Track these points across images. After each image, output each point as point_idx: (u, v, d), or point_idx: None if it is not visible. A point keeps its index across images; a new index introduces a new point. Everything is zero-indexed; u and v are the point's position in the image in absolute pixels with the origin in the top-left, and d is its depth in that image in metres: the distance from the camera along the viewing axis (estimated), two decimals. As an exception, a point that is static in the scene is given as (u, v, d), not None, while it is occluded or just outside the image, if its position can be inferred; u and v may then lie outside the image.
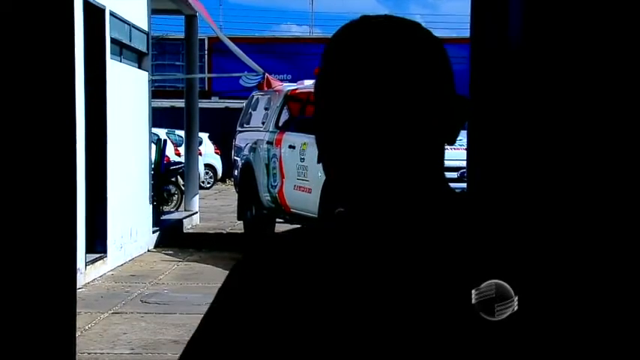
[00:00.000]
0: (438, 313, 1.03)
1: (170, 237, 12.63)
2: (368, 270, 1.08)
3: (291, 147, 11.20)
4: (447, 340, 1.02)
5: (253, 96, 14.02)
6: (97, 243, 9.93)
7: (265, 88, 13.62)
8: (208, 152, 24.58)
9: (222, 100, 28.50)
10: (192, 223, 14.88)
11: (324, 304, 1.07)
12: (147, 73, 12.29)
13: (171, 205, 15.63)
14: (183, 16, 15.35)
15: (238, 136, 13.80)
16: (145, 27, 12.23)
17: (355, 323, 1.05)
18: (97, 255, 9.82)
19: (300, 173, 10.90)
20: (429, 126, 1.06)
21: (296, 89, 12.69)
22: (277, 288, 1.11)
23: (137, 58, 12.02)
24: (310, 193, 10.48)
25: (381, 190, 1.05)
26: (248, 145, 12.92)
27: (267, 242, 1.19)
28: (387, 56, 1.05)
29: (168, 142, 17.99)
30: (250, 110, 13.68)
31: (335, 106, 1.06)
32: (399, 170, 1.05)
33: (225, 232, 14.15)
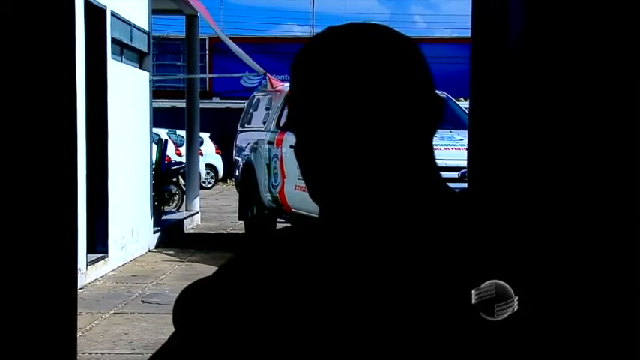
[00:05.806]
0: (438, 313, 1.03)
1: (171, 237, 12.64)
2: (360, 270, 1.08)
3: (292, 147, 11.15)
4: (447, 340, 1.02)
5: (254, 96, 14.02)
6: (98, 243, 9.93)
7: (271, 89, 13.59)
8: (209, 152, 24.60)
9: (223, 101, 28.51)
10: (193, 223, 14.89)
11: (317, 305, 1.07)
12: (148, 73, 12.29)
13: (173, 205, 15.64)
14: (184, 16, 15.35)
15: (239, 137, 13.80)
16: (146, 27, 12.23)
17: (352, 325, 1.05)
18: (98, 255, 9.82)
19: (301, 173, 10.88)
20: (405, 125, 1.07)
21: (297, 89, 12.64)
22: (267, 285, 1.11)
23: (138, 58, 12.02)
24: (311, 193, 10.45)
25: (361, 191, 1.07)
26: (249, 146, 12.92)
27: (259, 240, 1.20)
28: (357, 58, 1.07)
29: (169, 142, 18.00)
30: (251, 110, 13.68)
31: (309, 113, 1.08)
32: (377, 171, 1.06)
33: (226, 232, 14.15)
